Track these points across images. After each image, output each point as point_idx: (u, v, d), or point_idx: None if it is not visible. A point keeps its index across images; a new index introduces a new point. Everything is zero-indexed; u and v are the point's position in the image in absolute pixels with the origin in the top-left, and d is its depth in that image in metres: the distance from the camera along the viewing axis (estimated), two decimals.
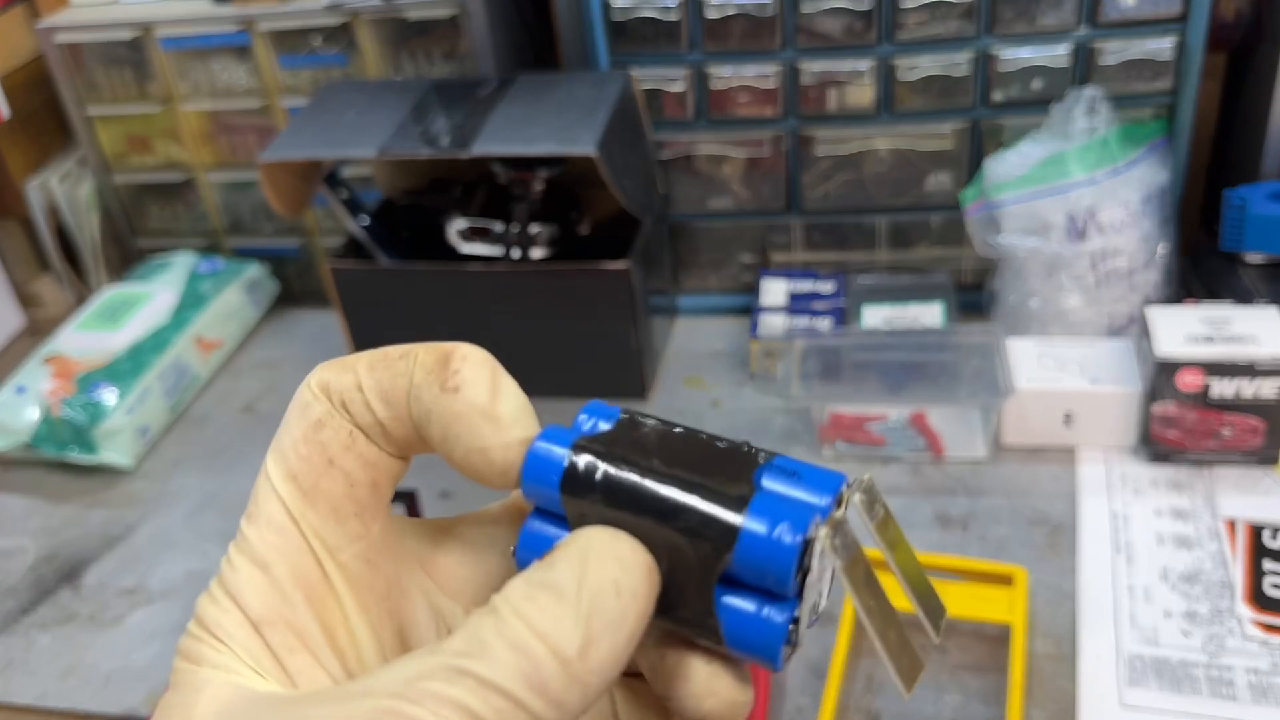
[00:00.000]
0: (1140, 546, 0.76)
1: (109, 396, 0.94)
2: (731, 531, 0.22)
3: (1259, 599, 0.71)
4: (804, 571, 0.22)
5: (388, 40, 1.00)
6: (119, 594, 0.83)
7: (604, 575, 0.21)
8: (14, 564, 0.87)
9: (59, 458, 0.94)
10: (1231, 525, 0.77)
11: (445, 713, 0.19)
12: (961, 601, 0.71)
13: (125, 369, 0.97)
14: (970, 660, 0.69)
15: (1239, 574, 0.73)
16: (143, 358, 0.98)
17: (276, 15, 1.00)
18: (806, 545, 0.22)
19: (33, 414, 0.94)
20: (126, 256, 1.18)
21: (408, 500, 0.79)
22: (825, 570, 0.23)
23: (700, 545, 0.22)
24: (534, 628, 0.20)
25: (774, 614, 0.22)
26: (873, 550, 0.24)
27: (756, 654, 0.22)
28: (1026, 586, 0.72)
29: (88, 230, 1.15)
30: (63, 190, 1.13)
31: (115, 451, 0.94)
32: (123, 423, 0.94)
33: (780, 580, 0.22)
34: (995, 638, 0.70)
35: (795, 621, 0.22)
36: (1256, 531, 0.76)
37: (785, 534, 0.21)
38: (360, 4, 0.98)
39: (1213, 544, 0.75)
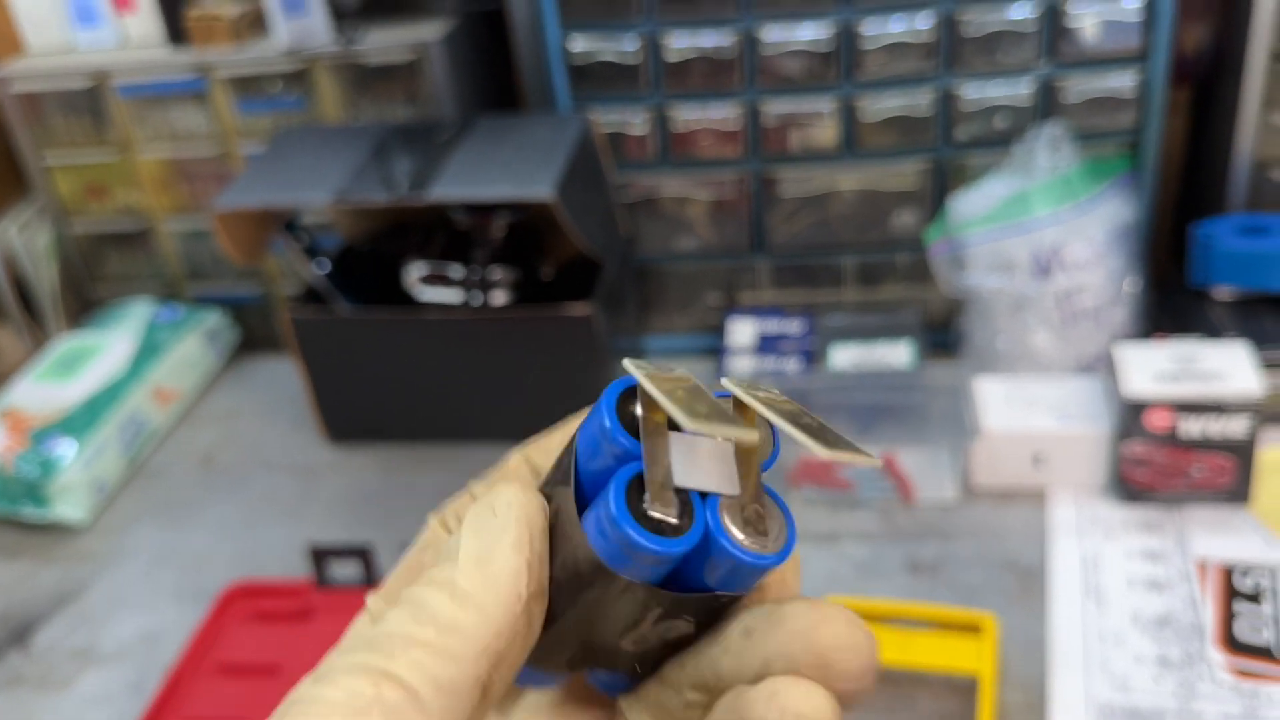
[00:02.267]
0: (1111, 590, 0.75)
1: (64, 451, 0.92)
2: (570, 454, 0.21)
3: (1230, 642, 0.70)
4: (630, 423, 0.20)
5: (347, 84, 0.99)
6: (70, 655, 0.81)
7: (478, 507, 0.21)
8: None
9: (11, 515, 0.92)
10: (1203, 567, 0.75)
11: (347, 681, 0.19)
12: (929, 651, 0.69)
13: (81, 422, 0.95)
14: (939, 711, 0.67)
15: (1210, 617, 0.72)
16: (99, 410, 0.96)
17: (234, 62, 0.99)
18: (624, 406, 0.20)
19: None
20: (85, 305, 1.16)
21: (363, 558, 0.77)
22: (696, 447, 0.20)
23: (557, 487, 0.22)
24: (421, 580, 0.20)
25: (612, 484, 0.20)
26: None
27: (607, 534, 0.20)
28: (996, 635, 0.70)
29: (46, 279, 1.13)
30: (21, 240, 1.12)
31: (69, 507, 0.92)
32: (78, 478, 0.92)
33: (606, 435, 0.20)
34: (965, 689, 0.68)
35: (642, 484, 0.20)
36: (1228, 573, 0.75)
37: (601, 408, 0.21)
38: (319, 49, 0.97)
39: (1184, 586, 0.74)
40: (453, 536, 0.21)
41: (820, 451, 0.19)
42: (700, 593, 0.21)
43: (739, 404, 0.21)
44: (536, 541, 0.21)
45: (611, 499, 0.19)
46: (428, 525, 0.25)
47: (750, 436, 0.19)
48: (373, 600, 0.24)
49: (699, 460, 0.20)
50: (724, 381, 0.21)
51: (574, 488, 0.21)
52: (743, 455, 0.21)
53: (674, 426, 0.20)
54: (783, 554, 0.20)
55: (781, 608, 0.21)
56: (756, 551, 0.20)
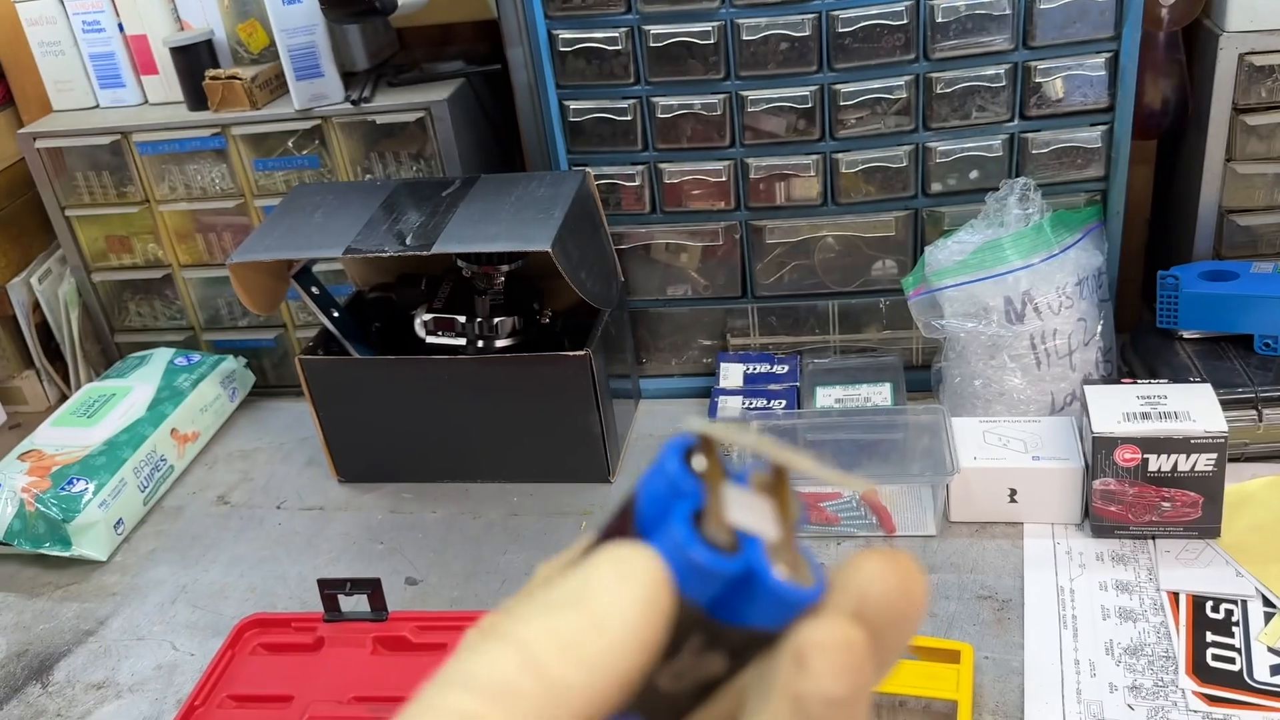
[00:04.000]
0: (1085, 620, 0.78)
1: (84, 491, 0.96)
2: (630, 507, 0.23)
3: (1200, 671, 0.73)
4: (691, 460, 0.23)
5: (358, 142, 1.05)
6: (87, 689, 0.84)
7: (603, 567, 0.21)
8: None
9: (33, 552, 0.96)
10: (1174, 597, 0.78)
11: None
12: (908, 679, 0.73)
13: (101, 463, 0.99)
14: None
15: (1181, 646, 0.75)
16: (118, 452, 1.01)
17: (250, 120, 1.04)
18: (687, 456, 0.23)
19: (8, 510, 0.95)
20: (106, 352, 1.21)
21: (371, 589, 0.81)
22: (744, 497, 0.23)
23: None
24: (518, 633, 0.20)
25: (676, 509, 0.22)
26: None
27: (678, 557, 0.22)
28: (973, 663, 0.73)
29: (68, 327, 1.18)
30: (44, 289, 1.17)
31: (89, 545, 0.96)
32: (97, 516, 0.96)
33: (671, 480, 0.22)
34: (943, 714, 0.72)
35: (700, 517, 0.22)
36: (1199, 604, 0.78)
37: (666, 459, 0.23)
38: (331, 109, 1.03)
39: (1156, 616, 0.77)
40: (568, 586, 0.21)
41: (830, 479, 0.23)
42: (738, 627, 0.23)
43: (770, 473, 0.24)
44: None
45: (677, 519, 0.22)
46: (537, 574, 0.26)
47: (803, 463, 0.22)
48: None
49: (747, 506, 0.23)
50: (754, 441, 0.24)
51: (634, 532, 0.23)
52: (781, 510, 0.23)
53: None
54: (816, 591, 0.22)
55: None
56: (795, 586, 0.22)
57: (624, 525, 0.23)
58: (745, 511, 0.22)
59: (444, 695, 0.19)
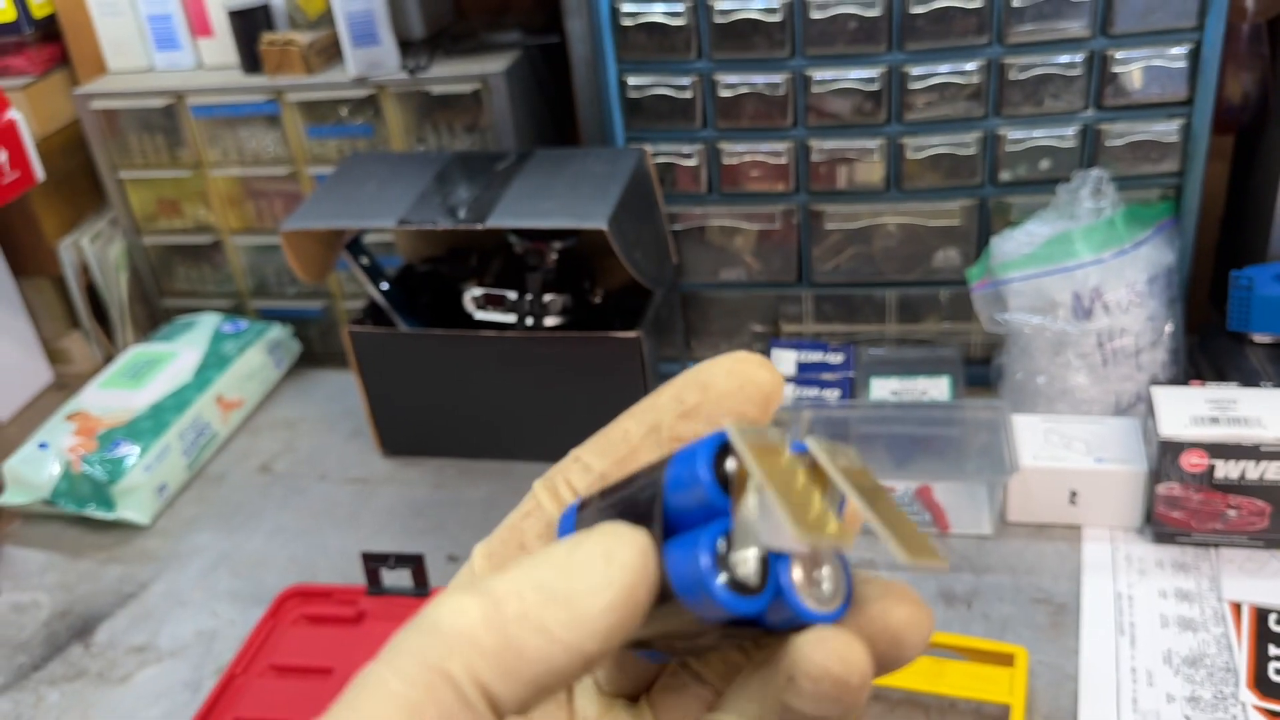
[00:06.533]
0: (1143, 628, 0.76)
1: (129, 454, 0.96)
2: (659, 468, 0.23)
3: (1263, 685, 0.70)
4: (727, 483, 0.22)
5: (412, 112, 1.03)
6: (129, 652, 0.84)
7: (594, 545, 0.21)
8: (28, 619, 0.88)
9: (78, 514, 0.96)
10: (1237, 608, 0.76)
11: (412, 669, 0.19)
12: (961, 681, 0.71)
13: (146, 427, 0.99)
14: None
15: (1243, 659, 0.72)
16: (164, 416, 1.01)
17: (305, 86, 1.03)
18: (720, 459, 0.22)
19: (53, 470, 0.96)
20: (153, 316, 1.21)
21: (414, 565, 0.80)
22: (774, 514, 0.21)
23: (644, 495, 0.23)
24: (509, 576, 0.20)
25: (701, 533, 0.21)
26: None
27: (691, 583, 0.21)
28: (1027, 667, 0.72)
29: (116, 289, 1.18)
30: (94, 250, 1.17)
31: (133, 509, 0.96)
32: (141, 480, 0.96)
33: (700, 487, 0.22)
34: (994, 718, 0.70)
35: (729, 541, 0.21)
36: (1262, 615, 0.75)
37: (698, 463, 0.22)
38: (386, 77, 1.01)
39: (1217, 627, 0.75)
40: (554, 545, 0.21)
41: (898, 555, 0.21)
42: (759, 627, 0.23)
43: (815, 465, 0.22)
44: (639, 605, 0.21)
45: (703, 558, 0.21)
46: (532, 491, 0.27)
47: (845, 544, 0.21)
48: (478, 554, 0.26)
49: (779, 520, 0.21)
50: (808, 442, 0.22)
51: (657, 519, 0.23)
52: (820, 506, 0.22)
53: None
54: (839, 612, 0.22)
55: (858, 589, 0.22)
56: (817, 609, 0.22)
57: (646, 505, 0.23)
58: (777, 527, 0.21)
59: (411, 637, 0.20)
